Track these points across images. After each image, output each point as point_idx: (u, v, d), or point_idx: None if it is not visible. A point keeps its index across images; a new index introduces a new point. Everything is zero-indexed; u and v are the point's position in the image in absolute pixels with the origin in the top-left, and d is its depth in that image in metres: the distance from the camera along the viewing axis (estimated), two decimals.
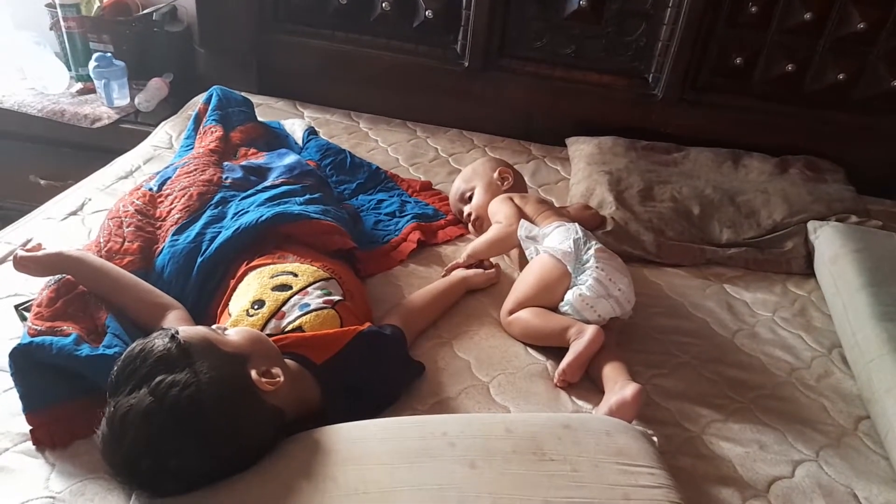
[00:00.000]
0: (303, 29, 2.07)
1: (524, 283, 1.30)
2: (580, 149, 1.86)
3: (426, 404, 1.12)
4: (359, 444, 0.90)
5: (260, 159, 1.58)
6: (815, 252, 1.53)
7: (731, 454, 1.08)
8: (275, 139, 1.78)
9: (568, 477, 0.86)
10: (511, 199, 1.49)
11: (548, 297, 1.26)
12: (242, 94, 1.82)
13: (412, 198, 1.70)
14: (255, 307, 1.12)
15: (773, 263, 1.55)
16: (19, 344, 1.03)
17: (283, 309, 1.12)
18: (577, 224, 1.37)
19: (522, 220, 1.41)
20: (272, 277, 1.17)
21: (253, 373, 0.93)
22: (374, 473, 0.85)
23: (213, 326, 1.01)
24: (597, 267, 1.24)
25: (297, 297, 1.13)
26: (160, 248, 1.28)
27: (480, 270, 1.42)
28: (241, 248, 1.25)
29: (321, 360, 1.05)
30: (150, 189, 1.41)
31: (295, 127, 1.84)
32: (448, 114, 2.10)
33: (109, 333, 1.09)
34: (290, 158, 1.55)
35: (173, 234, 1.28)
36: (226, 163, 1.55)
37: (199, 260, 1.24)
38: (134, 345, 0.90)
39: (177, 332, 0.91)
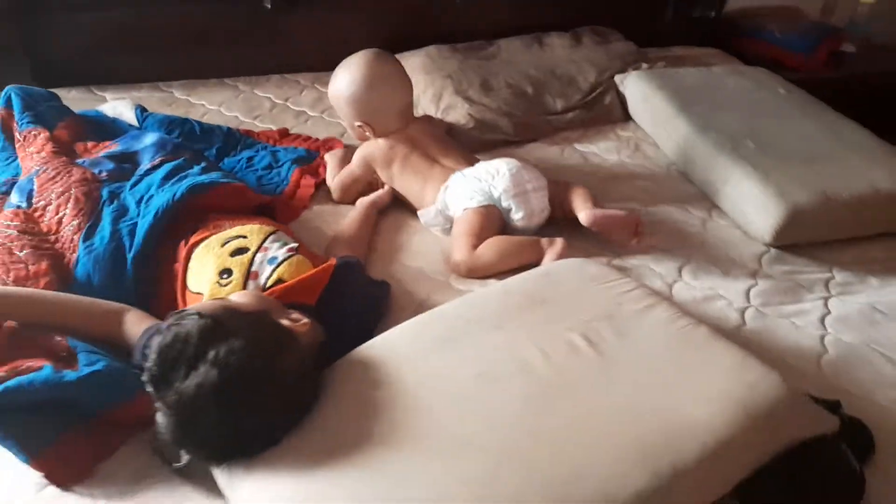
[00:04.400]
0: (72, 2, 1.86)
1: (460, 231, 1.34)
2: (411, 62, 1.95)
3: (408, 312, 1.22)
4: (398, 353, 0.99)
5: (115, 148, 1.46)
6: (627, 100, 1.86)
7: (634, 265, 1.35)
8: (103, 128, 1.63)
9: (569, 308, 1.04)
10: (365, 162, 1.49)
11: (490, 234, 1.34)
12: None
13: (278, 147, 1.69)
14: (225, 276, 1.11)
15: (601, 117, 1.84)
16: (4, 390, 0.93)
17: (253, 269, 1.12)
18: (459, 171, 1.42)
19: (420, 211, 1.44)
20: (223, 246, 1.16)
21: (284, 321, 0.96)
22: (429, 369, 0.95)
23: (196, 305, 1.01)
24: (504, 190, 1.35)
25: (259, 255, 1.14)
26: (73, 260, 1.17)
27: (376, 192, 1.51)
28: (166, 232, 1.20)
29: (314, 301, 1.09)
30: (20, 206, 1.26)
31: (120, 109, 1.69)
32: (261, 61, 2.06)
33: (82, 353, 1.02)
34: (151, 137, 1.46)
35: (84, 241, 1.18)
36: (80, 160, 1.41)
37: (130, 256, 1.16)
38: (162, 337, 0.88)
39: (199, 311, 0.90)
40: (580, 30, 2.12)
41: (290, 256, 1.14)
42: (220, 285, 1.10)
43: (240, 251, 1.15)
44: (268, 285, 1.10)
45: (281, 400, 0.88)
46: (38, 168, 1.34)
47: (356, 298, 1.16)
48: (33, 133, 1.48)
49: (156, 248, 1.18)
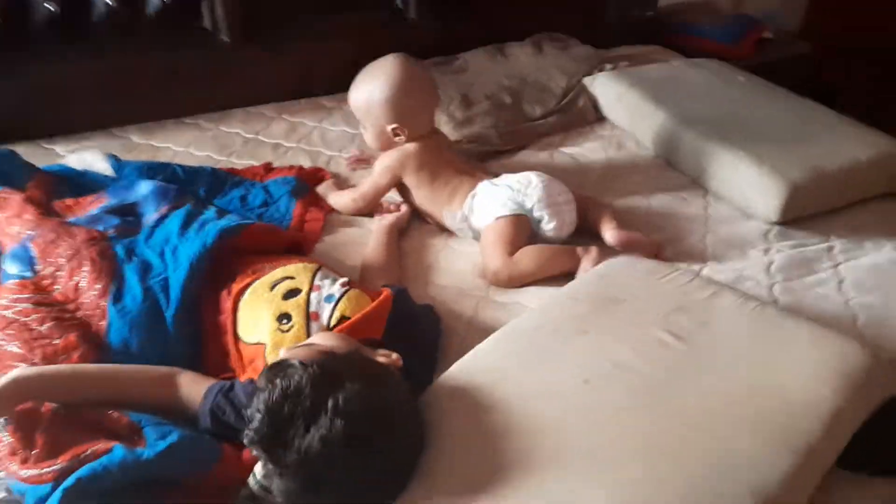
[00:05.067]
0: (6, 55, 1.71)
1: (494, 240, 1.34)
2: None
3: (459, 332, 1.20)
4: (493, 374, 0.97)
5: (107, 201, 1.34)
6: (599, 100, 1.92)
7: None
8: (74, 182, 1.50)
9: (641, 305, 1.07)
10: (393, 172, 1.47)
11: (521, 242, 1.34)
12: None
13: (267, 181, 1.62)
14: (284, 321, 1.05)
15: (577, 120, 1.89)
16: (65, 488, 0.83)
17: (312, 310, 1.06)
18: (486, 180, 1.44)
19: (446, 211, 1.43)
20: (272, 290, 1.09)
21: (380, 359, 0.92)
22: (533, 384, 0.94)
23: (284, 349, 0.95)
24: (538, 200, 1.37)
25: (313, 294, 1.09)
26: (103, 327, 1.07)
27: (391, 214, 1.48)
28: (201, 283, 1.12)
29: (381, 335, 1.05)
30: (23, 277, 1.13)
31: (89, 160, 1.57)
32: (219, 96, 1.96)
33: (148, 426, 0.93)
34: (145, 186, 1.36)
35: (113, 304, 1.08)
36: (72, 218, 1.29)
37: (170, 313, 1.08)
38: (268, 394, 0.82)
39: (298, 361, 0.84)
40: (537, 37, 2.17)
41: (346, 291, 1.10)
42: (282, 331, 1.04)
43: (292, 293, 1.09)
44: (332, 324, 1.05)
45: (403, 439, 0.84)
46: (29, 233, 1.22)
47: (415, 326, 1.13)
48: (2, 196, 1.35)
49: (194, 303, 1.10)
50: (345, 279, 1.13)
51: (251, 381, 1.00)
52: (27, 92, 1.76)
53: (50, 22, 1.73)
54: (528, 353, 0.99)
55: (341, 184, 1.65)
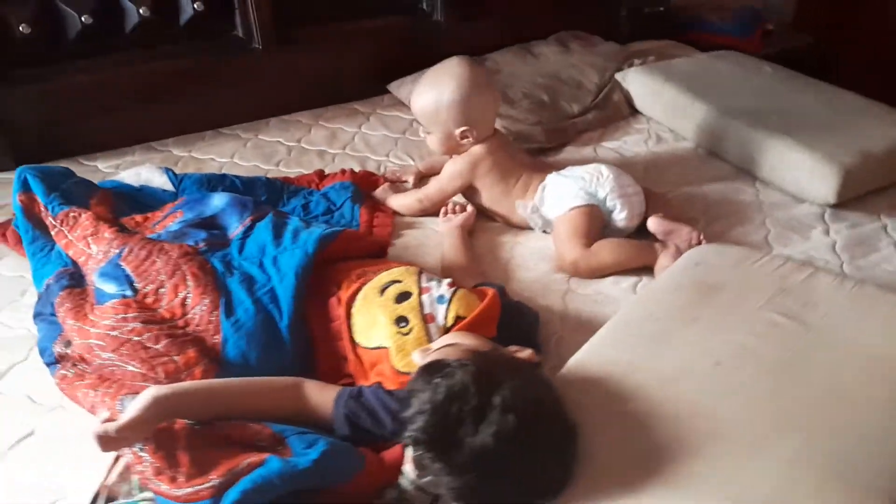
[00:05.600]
0: (37, 71, 1.68)
1: (569, 230, 1.37)
2: (412, 88, 1.96)
3: (553, 324, 1.23)
4: (618, 363, 1.00)
5: (182, 216, 1.33)
6: (631, 95, 1.96)
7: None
8: (134, 198, 1.48)
9: (743, 290, 1.10)
10: (463, 177, 1.49)
11: (596, 232, 1.38)
12: None
13: (324, 188, 1.61)
14: (402, 324, 1.06)
15: (613, 115, 1.93)
16: (242, 492, 0.83)
17: (426, 312, 1.07)
18: (554, 172, 1.47)
19: (519, 202, 1.46)
20: (382, 295, 1.10)
21: (519, 355, 0.94)
22: (664, 370, 0.97)
23: (419, 350, 0.97)
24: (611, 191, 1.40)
25: (424, 296, 1.10)
26: (218, 342, 1.06)
27: (459, 215, 1.50)
28: (305, 291, 1.12)
29: (494, 332, 1.07)
30: (125, 296, 1.11)
31: (145, 175, 1.54)
32: (253, 105, 1.95)
33: (292, 436, 0.93)
34: (220, 198, 1.35)
35: (226, 319, 1.07)
36: (151, 235, 1.28)
37: (284, 324, 1.07)
38: (432, 395, 0.83)
39: (454, 362, 0.86)
40: (561, 35, 2.20)
41: (454, 291, 1.11)
42: (402, 334, 1.05)
43: (403, 296, 1.10)
44: (450, 326, 1.06)
45: (563, 429, 0.86)
46: (117, 251, 1.20)
47: (520, 322, 1.15)
48: (72, 215, 1.32)
49: (303, 313, 1.10)
50: (448, 280, 1.14)
51: (379, 385, 1.01)
52: (61, 105, 1.73)
53: (83, 33, 1.69)
54: (649, 342, 1.02)
55: (396, 188, 1.66)
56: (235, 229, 1.26)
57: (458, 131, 1.47)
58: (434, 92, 1.47)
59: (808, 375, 0.93)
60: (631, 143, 1.84)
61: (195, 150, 1.82)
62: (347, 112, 2.00)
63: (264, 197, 1.54)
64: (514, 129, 1.76)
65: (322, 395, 1.01)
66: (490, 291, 1.12)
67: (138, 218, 1.37)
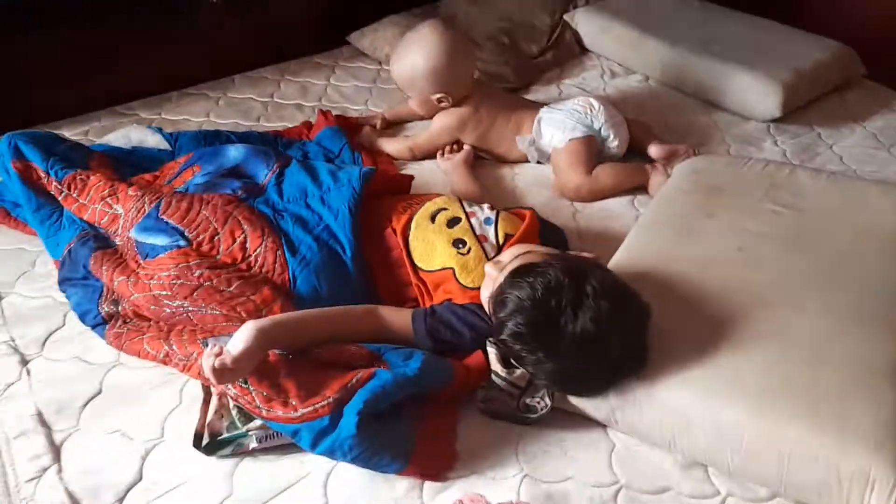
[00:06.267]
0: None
1: (570, 160, 1.49)
2: (380, 35, 1.99)
3: (573, 237, 1.36)
4: (656, 256, 1.14)
5: (198, 170, 1.32)
6: (581, 34, 2.09)
7: None
8: (128, 159, 1.44)
9: (740, 189, 1.26)
10: (451, 133, 1.56)
11: (593, 160, 1.51)
12: None
13: (315, 137, 1.63)
14: (461, 245, 1.14)
15: (568, 55, 2.06)
16: (358, 411, 0.89)
17: (478, 233, 1.16)
18: (545, 107, 1.57)
19: (521, 137, 1.55)
20: (433, 222, 1.17)
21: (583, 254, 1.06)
22: (695, 258, 1.12)
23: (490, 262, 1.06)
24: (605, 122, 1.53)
25: (472, 220, 1.18)
26: (286, 279, 1.10)
27: (459, 153, 1.58)
28: (359, 225, 1.17)
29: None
30: (179, 246, 1.12)
31: (137, 136, 1.50)
32: (214, 63, 1.90)
33: (388, 352, 1.01)
34: (236, 150, 1.35)
35: (292, 257, 1.10)
36: (179, 188, 1.27)
37: (349, 255, 1.13)
38: (529, 293, 0.93)
39: (541, 263, 0.96)
40: None
41: (497, 213, 1.20)
42: (462, 255, 1.13)
43: (453, 222, 1.18)
44: (502, 242, 1.16)
45: (642, 308, 0.98)
46: (152, 206, 1.19)
47: (553, 237, 1.26)
48: (80, 178, 1.29)
49: (361, 245, 1.16)
50: (487, 204, 1.23)
51: (450, 301, 1.10)
52: (16, 74, 1.63)
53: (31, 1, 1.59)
54: (677, 237, 1.17)
55: (381, 132, 1.70)
56: (265, 176, 1.28)
57: (434, 97, 1.55)
58: (408, 60, 1.54)
59: (814, 249, 1.11)
60: (589, 79, 1.98)
61: (164, 111, 1.77)
62: (311, 66, 2.00)
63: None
64: (486, 69, 1.84)
65: (398, 317, 1.08)
66: (527, 212, 1.22)
67: (147, 177, 1.35)
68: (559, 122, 1.54)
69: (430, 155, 1.62)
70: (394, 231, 1.17)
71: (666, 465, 0.96)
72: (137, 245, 1.16)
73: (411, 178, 1.37)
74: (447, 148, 1.60)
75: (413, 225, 1.18)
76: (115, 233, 1.22)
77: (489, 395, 1.02)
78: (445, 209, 1.20)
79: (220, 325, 1.04)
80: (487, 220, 1.18)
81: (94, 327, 1.15)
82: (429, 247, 1.15)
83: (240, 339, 0.93)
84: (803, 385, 0.90)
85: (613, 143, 1.55)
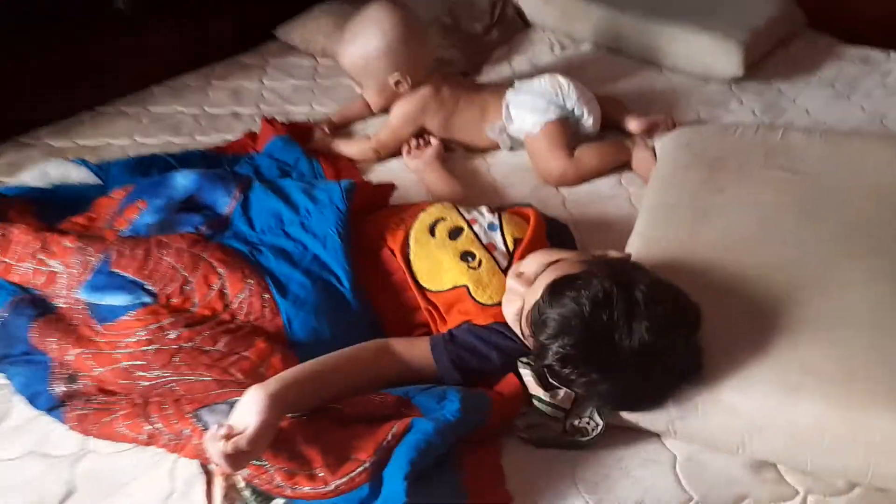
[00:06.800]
0: None
1: (549, 144, 1.39)
2: (312, 27, 1.82)
3: (571, 222, 1.26)
4: (670, 242, 1.07)
5: (142, 206, 1.13)
6: (522, 8, 1.99)
7: None
8: (52, 200, 1.22)
9: (738, 157, 1.20)
10: (415, 120, 1.44)
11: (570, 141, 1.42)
12: None
13: (265, 149, 1.45)
14: (470, 259, 1.02)
15: (514, 28, 1.95)
16: (405, 476, 0.76)
17: (485, 242, 1.05)
18: (509, 90, 1.46)
19: (491, 125, 1.44)
20: (433, 236, 1.05)
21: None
22: (719, 232, 1.06)
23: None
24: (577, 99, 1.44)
25: (475, 227, 1.06)
26: (279, 324, 0.95)
27: (428, 149, 1.45)
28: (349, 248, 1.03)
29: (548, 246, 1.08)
30: (144, 304, 0.94)
31: (56, 172, 1.28)
32: (126, 75, 1.67)
33: (417, 395, 0.89)
34: (186, 177, 1.16)
35: (283, 298, 0.95)
36: (124, 231, 1.08)
37: (348, 286, 0.98)
38: (576, 309, 0.82)
39: (580, 274, 0.86)
40: None
41: (499, 215, 1.09)
42: (473, 268, 1.01)
43: (455, 233, 1.06)
44: (512, 249, 1.05)
45: (694, 311, 0.89)
46: (99, 259, 1.00)
47: (559, 233, 1.16)
48: None
49: (352, 272, 1.02)
50: (485, 206, 1.12)
51: (469, 323, 0.98)
52: None
53: None
54: (693, 219, 1.09)
55: (336, 134, 1.55)
56: (228, 206, 1.11)
57: (391, 80, 1.41)
58: (359, 44, 1.39)
59: (833, 214, 1.06)
60: (539, 54, 1.88)
61: (78, 136, 1.54)
62: (238, 67, 1.80)
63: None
64: (434, 56, 1.71)
65: (415, 350, 0.96)
66: (530, 211, 1.12)
67: (81, 220, 1.14)
68: (529, 105, 1.44)
69: (396, 152, 1.48)
70: (391, 252, 1.04)
71: (734, 470, 0.89)
72: (91, 308, 0.97)
73: (392, 186, 1.24)
74: (412, 143, 1.47)
75: (412, 241, 1.05)
76: (55, 294, 1.02)
77: (531, 422, 0.92)
78: (443, 219, 1.08)
79: (213, 392, 0.87)
80: (492, 226, 1.07)
81: (48, 411, 0.96)
82: (434, 264, 1.03)
83: (249, 411, 0.78)
84: (878, 365, 0.84)
85: (588, 122, 1.46)
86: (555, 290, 0.85)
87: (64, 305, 1.01)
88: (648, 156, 1.37)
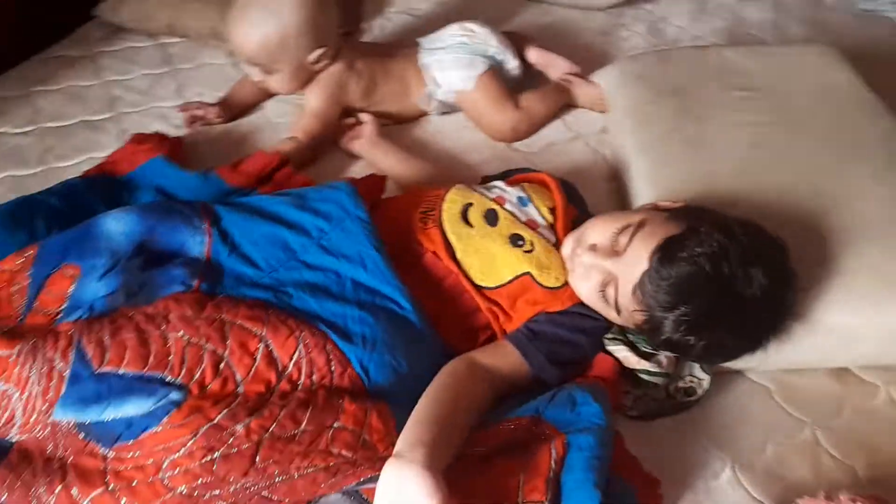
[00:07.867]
0: None
1: (491, 98, 1.28)
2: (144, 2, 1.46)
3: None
4: (682, 182, 1.05)
5: (73, 272, 0.82)
6: None
7: None
8: None
9: (698, 84, 1.21)
10: (336, 98, 1.24)
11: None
12: None
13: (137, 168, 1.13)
14: (519, 242, 0.91)
15: None
16: (596, 486, 0.69)
17: (525, 220, 0.94)
18: (421, 50, 1.31)
19: (420, 97, 1.29)
20: (472, 227, 0.92)
21: None
22: (717, 164, 1.07)
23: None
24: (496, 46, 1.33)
25: (508, 206, 0.95)
26: (354, 374, 0.77)
27: (364, 127, 1.26)
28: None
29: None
30: (177, 403, 0.69)
31: None
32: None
33: (545, 407, 0.79)
34: (119, 220, 0.86)
35: (346, 345, 0.76)
36: (74, 317, 0.78)
37: (409, 307, 0.84)
38: (691, 273, 0.78)
39: (687, 231, 0.81)
40: None
41: (522, 187, 0.98)
42: (526, 251, 0.91)
43: (489, 217, 0.93)
44: (551, 222, 0.95)
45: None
46: (73, 355, 0.71)
47: (573, 190, 1.09)
48: None
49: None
50: (500, 181, 1.00)
51: (544, 313, 0.89)
52: None
53: None
54: (690, 155, 1.08)
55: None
56: (202, 244, 0.84)
57: (312, 56, 1.20)
58: (272, 21, 1.15)
59: (810, 126, 1.12)
60: (414, 2, 1.73)
61: None
62: (65, 64, 1.40)
63: (92, 197, 1.03)
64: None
65: (499, 357, 0.86)
66: (539, 175, 1.03)
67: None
68: (452, 62, 1.30)
69: (327, 136, 1.25)
70: (437, 255, 0.89)
71: (821, 384, 0.93)
72: (85, 430, 0.69)
73: (384, 177, 1.06)
74: (347, 124, 1.27)
75: (452, 237, 0.90)
76: (12, 427, 0.71)
77: (636, 396, 0.87)
78: (470, 203, 0.94)
79: (323, 485, 0.68)
80: (522, 201, 0.96)
81: None
82: (486, 258, 0.90)
83: (418, 494, 0.62)
84: None
85: (513, 65, 1.36)
86: (665, 254, 0.79)
87: (23, 437, 0.71)
88: (592, 87, 1.33)
